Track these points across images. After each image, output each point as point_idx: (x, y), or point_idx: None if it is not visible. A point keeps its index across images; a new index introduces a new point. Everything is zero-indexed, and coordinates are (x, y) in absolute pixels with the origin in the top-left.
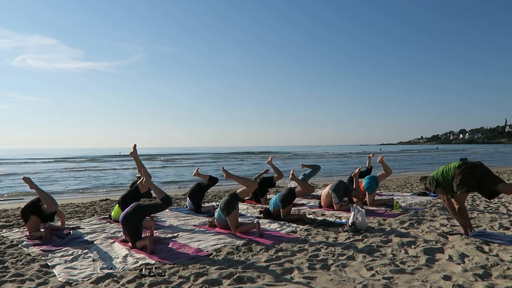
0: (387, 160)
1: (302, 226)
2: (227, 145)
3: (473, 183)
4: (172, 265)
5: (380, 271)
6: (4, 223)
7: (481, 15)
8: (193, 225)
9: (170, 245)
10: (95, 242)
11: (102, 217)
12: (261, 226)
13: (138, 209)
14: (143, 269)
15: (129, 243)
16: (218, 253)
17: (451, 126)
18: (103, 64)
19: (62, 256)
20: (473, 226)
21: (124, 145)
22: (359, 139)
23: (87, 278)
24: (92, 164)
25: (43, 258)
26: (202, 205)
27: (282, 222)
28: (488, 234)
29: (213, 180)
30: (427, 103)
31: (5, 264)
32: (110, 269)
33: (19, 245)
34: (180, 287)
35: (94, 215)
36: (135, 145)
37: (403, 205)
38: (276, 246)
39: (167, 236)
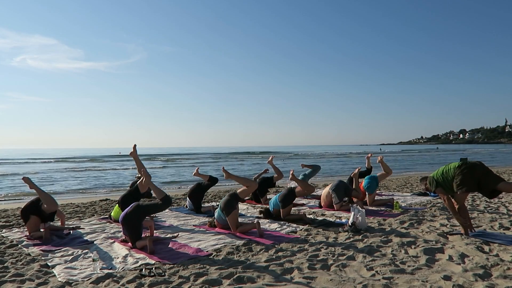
0: (387, 160)
1: (302, 226)
2: (227, 145)
3: (473, 183)
4: (172, 265)
5: (380, 271)
6: (4, 223)
7: (481, 15)
8: (193, 225)
9: (170, 245)
10: (95, 242)
11: (102, 217)
12: (261, 226)
13: (138, 209)
14: (143, 269)
15: (129, 243)
16: (218, 253)
17: (451, 126)
18: (103, 64)
19: (62, 256)
20: (473, 226)
21: (124, 145)
22: (359, 139)
23: (87, 278)
24: (92, 164)
25: (43, 258)
26: (202, 205)
27: (282, 222)
28: (488, 234)
29: (213, 180)
30: (427, 103)
31: (5, 264)
32: (110, 269)
33: (19, 245)
34: (180, 287)
35: (94, 215)
36: (135, 145)
37: (403, 205)
38: (276, 246)
39: (167, 236)
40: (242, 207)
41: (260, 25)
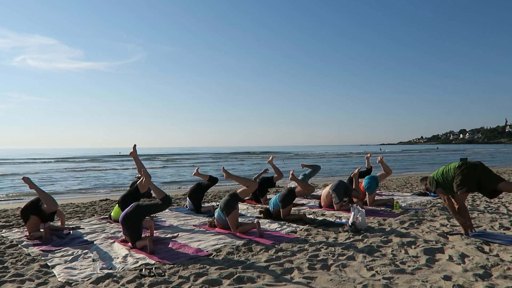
0: (387, 160)
1: (302, 226)
2: (227, 145)
3: (473, 183)
4: (172, 265)
5: (380, 271)
6: (4, 223)
7: (481, 15)
8: (193, 225)
9: (170, 245)
10: (95, 242)
11: (102, 217)
12: (261, 226)
13: (138, 209)
14: (143, 269)
15: (129, 243)
16: (218, 253)
17: (451, 126)
18: (103, 64)
19: (62, 256)
20: (473, 226)
21: (124, 145)
22: (359, 139)
23: (87, 278)
24: (92, 164)
25: (43, 258)
26: (202, 205)
27: (282, 222)
28: (488, 234)
29: (213, 180)
30: (427, 103)
31: (5, 264)
32: (110, 269)
33: (19, 245)
34: (180, 287)
35: (94, 215)
36: (134, 145)
37: (403, 205)
38: (276, 246)
39: (167, 236)
40: (242, 207)
41: (260, 25)
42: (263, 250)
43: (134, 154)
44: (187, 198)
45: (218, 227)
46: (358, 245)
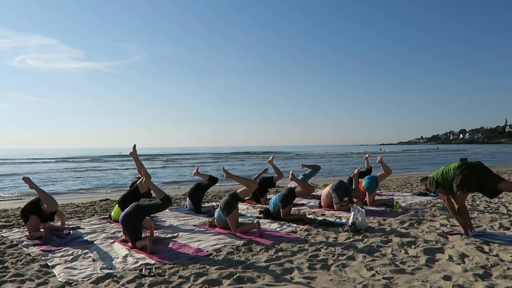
0: (387, 161)
1: (302, 226)
2: (227, 145)
3: (473, 183)
4: (172, 265)
5: (380, 271)
6: (4, 223)
7: (481, 15)
8: (193, 225)
9: (170, 245)
10: (95, 242)
11: (102, 217)
12: (261, 226)
13: (138, 209)
14: (143, 269)
15: (129, 243)
16: (218, 253)
17: (451, 126)
18: (103, 64)
19: (62, 256)
20: (473, 226)
21: (124, 145)
22: (359, 139)
23: (87, 278)
24: (92, 164)
25: (43, 258)
26: (202, 205)
27: (282, 222)
28: (488, 234)
29: (213, 180)
30: (427, 103)
31: (5, 264)
32: (110, 269)
33: (19, 245)
34: (180, 287)
35: (94, 215)
36: (134, 145)
37: (403, 205)
38: (276, 246)
39: (167, 236)
40: (242, 207)
41: (260, 25)
42: (263, 250)
43: (134, 154)
44: (187, 198)
45: (218, 227)
46: (358, 245)
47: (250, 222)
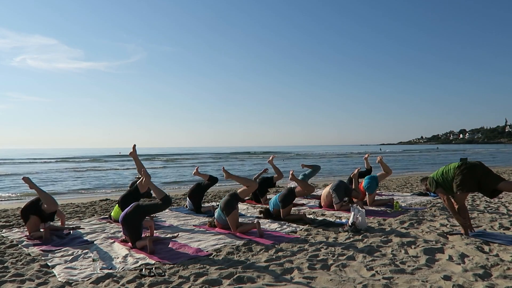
0: (388, 161)
1: (302, 226)
2: (227, 145)
3: (473, 183)
4: (172, 265)
5: (380, 271)
6: (4, 223)
7: (481, 15)
8: (193, 225)
9: (170, 245)
10: (95, 242)
11: (102, 217)
12: (261, 226)
13: (138, 209)
14: (143, 269)
15: (129, 243)
16: (218, 253)
17: (451, 126)
18: (103, 64)
19: (62, 256)
20: (473, 226)
21: (124, 145)
22: (359, 139)
23: (87, 278)
24: (92, 164)
25: (43, 258)
26: (202, 205)
27: (282, 222)
28: (488, 234)
29: (213, 180)
30: (427, 103)
31: (5, 264)
32: (110, 269)
33: (19, 245)
34: (180, 287)
35: (94, 215)
36: (134, 145)
37: (403, 205)
38: (276, 246)
39: (167, 236)
40: (242, 207)
41: (260, 25)
42: (263, 250)
43: (134, 154)
44: (187, 198)
45: (218, 227)
46: (358, 245)
47: (250, 222)
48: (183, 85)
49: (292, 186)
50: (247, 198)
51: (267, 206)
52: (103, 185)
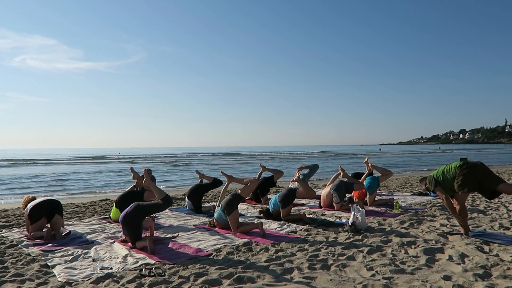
0: (389, 163)
1: (302, 226)
2: (227, 145)
3: (474, 183)
4: (172, 265)
5: (380, 271)
6: (4, 223)
7: (481, 15)
8: (193, 225)
9: (170, 245)
10: (95, 242)
11: (102, 217)
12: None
13: (138, 209)
14: (143, 269)
15: (129, 243)
16: (218, 253)
17: (451, 126)
18: (103, 64)
19: (62, 256)
20: (473, 226)
21: (124, 145)
22: (359, 139)
23: (87, 278)
24: (92, 164)
25: (43, 258)
26: (202, 205)
27: (282, 222)
28: (488, 234)
29: (216, 183)
30: (427, 103)
31: (5, 264)
32: (110, 269)
33: (19, 245)
34: (180, 287)
35: (94, 215)
36: (147, 170)
37: (403, 205)
38: (276, 246)
39: (167, 236)
40: (242, 207)
41: (260, 25)
42: (263, 250)
43: (148, 181)
44: (186, 198)
45: (218, 227)
46: (358, 245)
47: (251, 222)
48: (183, 85)
49: (293, 187)
50: (247, 198)
51: (267, 206)
52: (103, 185)
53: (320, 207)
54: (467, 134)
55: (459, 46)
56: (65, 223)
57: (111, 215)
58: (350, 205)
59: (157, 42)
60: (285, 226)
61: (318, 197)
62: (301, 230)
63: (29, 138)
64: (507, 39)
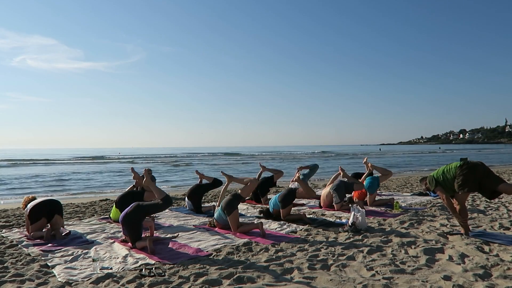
0: (389, 163)
1: (302, 226)
2: (227, 145)
3: (474, 183)
4: (172, 265)
5: (380, 271)
6: (4, 223)
7: (481, 15)
8: (193, 225)
9: (170, 245)
10: (95, 242)
11: (102, 217)
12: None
13: (139, 209)
14: (143, 269)
15: (129, 243)
16: (218, 253)
17: (451, 126)
18: (103, 64)
19: (62, 256)
20: (473, 226)
21: (124, 145)
22: (359, 139)
23: (87, 278)
24: (92, 165)
25: (43, 258)
26: (202, 205)
27: (282, 222)
28: (488, 234)
29: (217, 183)
30: (427, 103)
31: (5, 264)
32: (110, 269)
33: (19, 245)
34: (180, 287)
35: (94, 215)
36: (147, 170)
37: (403, 205)
38: (276, 246)
39: (167, 236)
40: (242, 207)
41: (260, 25)
42: (263, 250)
43: (148, 181)
44: (186, 198)
45: (218, 227)
46: (358, 245)
47: (251, 222)
48: (183, 85)
49: (293, 187)
50: (247, 198)
51: (267, 206)
52: (103, 185)
53: (320, 207)
54: (467, 134)
55: (459, 46)
56: (65, 223)
57: (111, 215)
58: (350, 205)
59: (157, 42)
60: (285, 226)
61: (318, 197)
62: (301, 230)
63: (29, 138)
64: (507, 39)
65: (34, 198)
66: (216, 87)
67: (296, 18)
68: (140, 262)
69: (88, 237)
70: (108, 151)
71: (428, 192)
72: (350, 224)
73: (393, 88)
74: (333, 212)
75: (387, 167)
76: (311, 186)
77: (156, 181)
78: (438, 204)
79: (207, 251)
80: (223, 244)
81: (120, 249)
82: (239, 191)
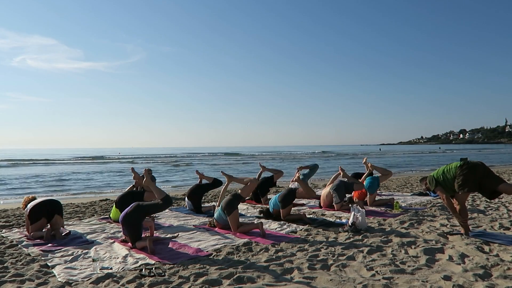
0: (389, 163)
1: (302, 226)
2: (227, 145)
3: (474, 183)
4: (172, 265)
5: (380, 271)
6: (4, 223)
7: (481, 15)
8: (193, 225)
9: (170, 245)
10: (95, 242)
11: (102, 217)
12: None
13: (139, 209)
14: (143, 269)
15: (129, 243)
16: (218, 253)
17: (451, 126)
18: (103, 64)
19: (62, 256)
20: (473, 226)
21: (124, 145)
22: (359, 139)
23: (87, 278)
24: (92, 165)
25: (43, 258)
26: (202, 205)
27: (282, 222)
28: (488, 234)
29: (217, 183)
30: (427, 103)
31: (5, 264)
32: (110, 269)
33: (19, 245)
34: (180, 287)
35: (94, 215)
36: (147, 170)
37: (403, 205)
38: (276, 246)
39: (167, 236)
40: (242, 207)
41: (260, 25)
42: (263, 250)
43: (148, 181)
44: (186, 198)
45: (218, 227)
46: (358, 245)
47: (251, 222)
48: (183, 85)
49: (293, 187)
50: (247, 198)
51: (267, 206)
52: (103, 185)
53: (320, 207)
54: (467, 134)
55: (459, 46)
56: (65, 223)
57: (111, 215)
58: (350, 205)
59: (157, 42)
60: (285, 226)
61: (318, 197)
62: (301, 230)
63: (29, 138)
64: (507, 39)
65: (34, 198)
66: (216, 87)
67: (296, 18)
68: (140, 262)
69: (88, 237)
70: (108, 151)
71: (428, 192)
72: (350, 224)
73: (393, 88)
74: (333, 212)
75: (387, 167)
76: (311, 186)
77: (156, 181)
78: (438, 204)
79: (207, 251)
80: (223, 244)
81: (120, 249)
82: (239, 191)
